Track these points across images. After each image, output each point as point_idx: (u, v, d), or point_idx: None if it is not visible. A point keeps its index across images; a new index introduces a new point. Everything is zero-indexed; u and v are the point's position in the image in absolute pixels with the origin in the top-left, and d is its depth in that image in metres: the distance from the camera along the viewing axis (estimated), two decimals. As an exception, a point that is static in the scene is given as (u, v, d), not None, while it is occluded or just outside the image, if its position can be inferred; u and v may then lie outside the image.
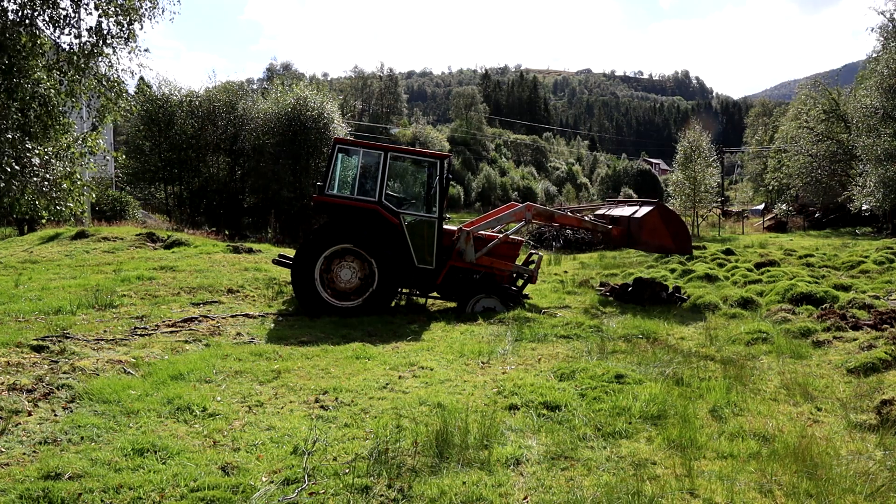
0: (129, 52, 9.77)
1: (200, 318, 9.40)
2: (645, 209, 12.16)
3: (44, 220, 10.27)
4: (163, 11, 9.97)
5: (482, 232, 11.66)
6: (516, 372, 6.82)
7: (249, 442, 4.85)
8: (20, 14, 8.72)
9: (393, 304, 11.48)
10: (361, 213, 10.62)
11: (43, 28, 8.95)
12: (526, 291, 12.12)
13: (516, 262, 11.86)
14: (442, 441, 4.70)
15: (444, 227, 11.25)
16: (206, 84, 31.95)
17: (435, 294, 11.49)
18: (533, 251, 12.86)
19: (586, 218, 13.62)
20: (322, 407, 5.66)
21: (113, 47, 9.51)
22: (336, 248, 10.44)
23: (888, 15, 26.68)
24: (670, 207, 14.73)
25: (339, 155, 11.11)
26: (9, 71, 8.41)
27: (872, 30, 27.37)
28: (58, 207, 9.42)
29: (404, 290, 11.50)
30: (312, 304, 10.35)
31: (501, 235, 11.57)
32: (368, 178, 10.98)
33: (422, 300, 11.90)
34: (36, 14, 8.80)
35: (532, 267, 11.82)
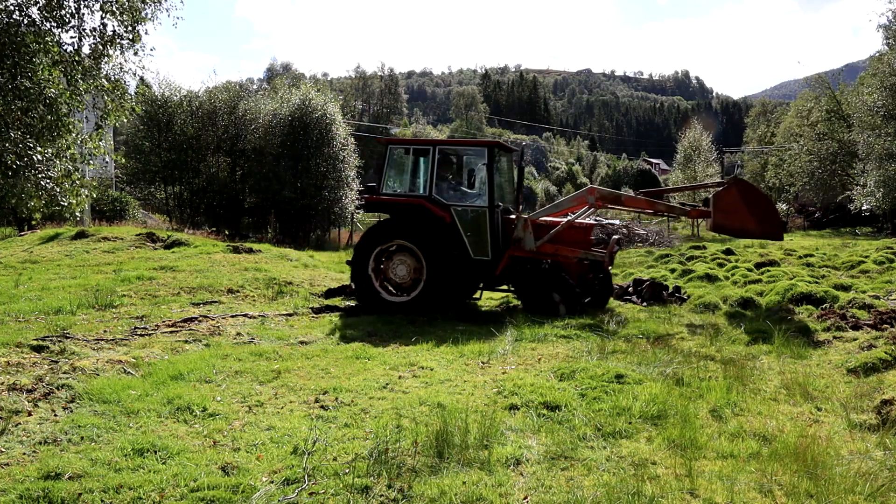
0: (135, 54, 9.83)
1: (200, 318, 9.39)
2: (722, 187, 10.76)
3: (35, 221, 10.30)
4: (168, 12, 10.01)
5: (544, 218, 11.04)
6: (516, 372, 6.82)
7: (249, 442, 4.84)
8: (22, 13, 8.73)
9: (470, 299, 11.27)
10: (411, 209, 10.63)
11: (47, 28, 8.95)
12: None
13: (593, 249, 10.94)
14: (442, 441, 4.70)
15: (508, 216, 10.88)
16: (206, 84, 32.00)
17: (505, 287, 11.14)
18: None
19: (659, 200, 12.42)
20: (322, 407, 5.66)
21: (122, 48, 9.55)
22: (386, 246, 10.52)
23: (893, 14, 26.66)
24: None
25: (391, 154, 11.16)
26: (14, 71, 8.42)
27: (879, 27, 27.35)
28: (62, 205, 9.44)
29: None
30: (369, 301, 10.48)
31: (565, 221, 10.83)
32: (419, 174, 11.04)
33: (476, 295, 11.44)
34: (40, 13, 8.81)
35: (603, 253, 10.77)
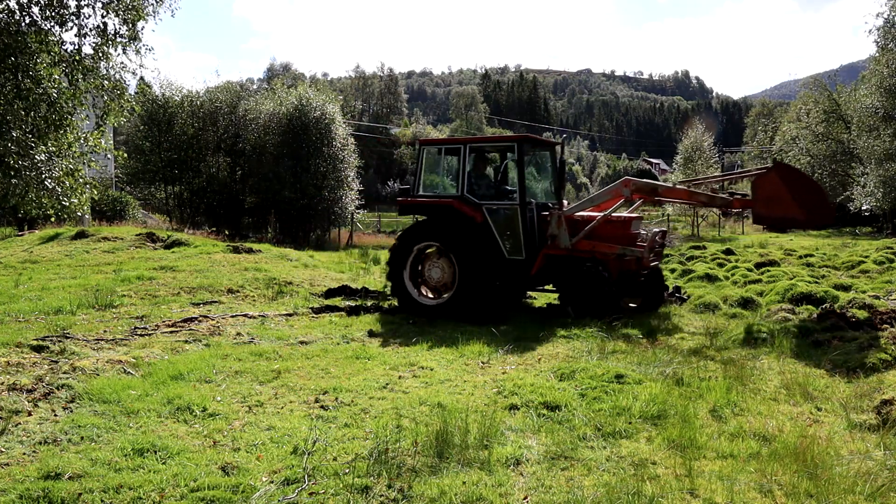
0: (136, 52, 9.84)
1: (200, 318, 9.39)
2: (761, 173, 9.73)
3: (52, 219, 10.33)
4: (170, 7, 10.03)
5: (579, 213, 10.40)
6: (516, 372, 6.82)
7: (249, 442, 4.84)
8: (23, 13, 8.73)
9: (523, 300, 11.05)
10: (443, 210, 10.46)
11: (48, 27, 8.96)
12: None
13: (638, 243, 10.21)
14: (442, 441, 4.70)
15: (543, 213, 10.37)
16: (206, 84, 32.06)
17: (549, 287, 10.77)
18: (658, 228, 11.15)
19: (699, 190, 11.55)
20: (322, 407, 5.66)
21: (124, 46, 9.56)
22: (420, 248, 10.41)
23: (885, 16, 26.73)
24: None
25: (425, 155, 11.07)
26: (15, 71, 8.42)
27: (871, 31, 27.44)
28: (62, 204, 9.45)
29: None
30: (405, 304, 10.37)
31: (601, 215, 10.20)
32: (452, 174, 10.95)
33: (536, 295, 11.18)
34: (42, 13, 8.82)
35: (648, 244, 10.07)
